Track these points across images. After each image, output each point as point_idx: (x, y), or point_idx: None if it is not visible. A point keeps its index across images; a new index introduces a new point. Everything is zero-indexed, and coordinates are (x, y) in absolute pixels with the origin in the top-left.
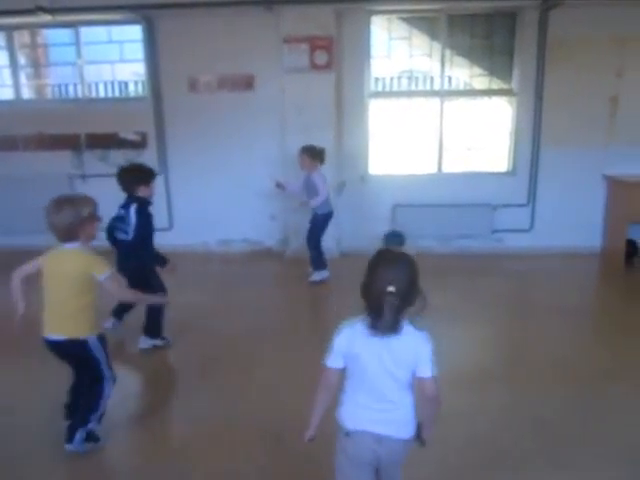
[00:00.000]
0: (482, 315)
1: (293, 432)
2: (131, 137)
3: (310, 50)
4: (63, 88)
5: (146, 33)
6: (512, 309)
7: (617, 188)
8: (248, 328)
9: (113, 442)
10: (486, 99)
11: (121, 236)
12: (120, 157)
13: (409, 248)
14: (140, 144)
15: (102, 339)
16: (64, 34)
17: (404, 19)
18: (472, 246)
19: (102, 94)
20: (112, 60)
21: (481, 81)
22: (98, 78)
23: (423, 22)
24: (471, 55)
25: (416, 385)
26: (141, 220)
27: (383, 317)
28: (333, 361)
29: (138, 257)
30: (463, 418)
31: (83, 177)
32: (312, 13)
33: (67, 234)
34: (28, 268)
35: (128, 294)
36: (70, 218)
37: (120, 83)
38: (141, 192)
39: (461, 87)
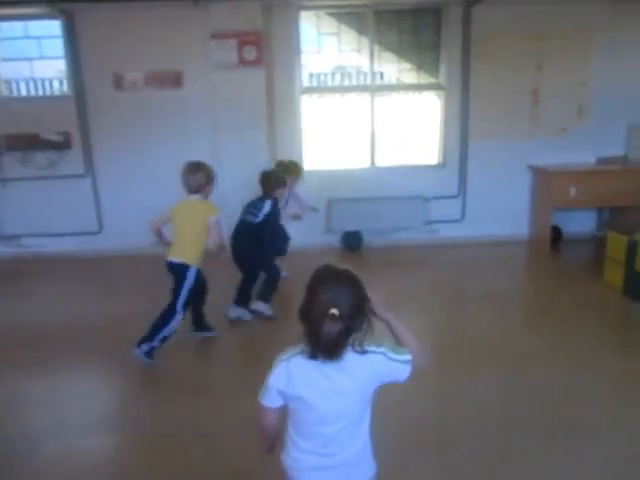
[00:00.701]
0: (418, 304)
1: (230, 432)
2: (54, 138)
3: (238, 46)
4: None
5: (65, 28)
6: (447, 297)
7: (541, 177)
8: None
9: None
10: (416, 93)
11: (249, 217)
12: (43, 159)
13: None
14: (64, 145)
15: (200, 274)
16: None
17: (332, 15)
18: (407, 238)
19: (23, 92)
20: (31, 57)
21: (410, 76)
22: (17, 75)
23: (351, 18)
24: (399, 50)
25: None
26: (272, 211)
27: (322, 344)
28: (270, 400)
29: (256, 239)
30: (401, 405)
31: (3, 181)
32: (240, 8)
33: (196, 189)
34: (163, 216)
35: (219, 238)
36: (201, 179)
37: (43, 81)
38: (277, 193)
39: (391, 82)
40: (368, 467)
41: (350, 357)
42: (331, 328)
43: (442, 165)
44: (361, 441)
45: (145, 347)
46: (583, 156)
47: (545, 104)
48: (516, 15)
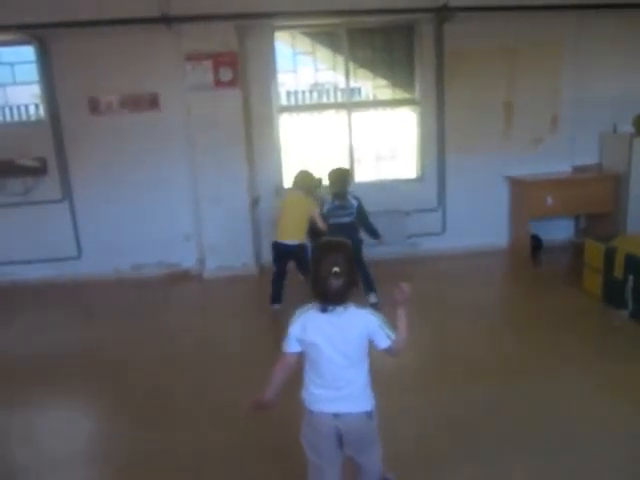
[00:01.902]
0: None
1: (214, 465)
2: (29, 163)
3: (214, 67)
4: None
5: (39, 53)
6: (428, 311)
7: (517, 188)
8: (165, 358)
9: None
10: (392, 109)
11: (344, 219)
12: (19, 185)
13: None
14: (40, 170)
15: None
16: None
17: (307, 34)
18: (388, 252)
19: None
20: (4, 83)
21: (386, 92)
22: None
23: (325, 37)
24: (374, 67)
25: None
26: (359, 202)
27: (331, 296)
28: (290, 346)
29: (357, 232)
30: (386, 418)
31: None
32: (213, 30)
33: (301, 187)
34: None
35: (323, 223)
36: (311, 183)
37: (18, 107)
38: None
39: (368, 98)
40: (368, 401)
41: (352, 310)
42: (336, 282)
43: (421, 179)
44: (362, 379)
45: None
46: (558, 165)
47: (519, 116)
48: (486, 30)
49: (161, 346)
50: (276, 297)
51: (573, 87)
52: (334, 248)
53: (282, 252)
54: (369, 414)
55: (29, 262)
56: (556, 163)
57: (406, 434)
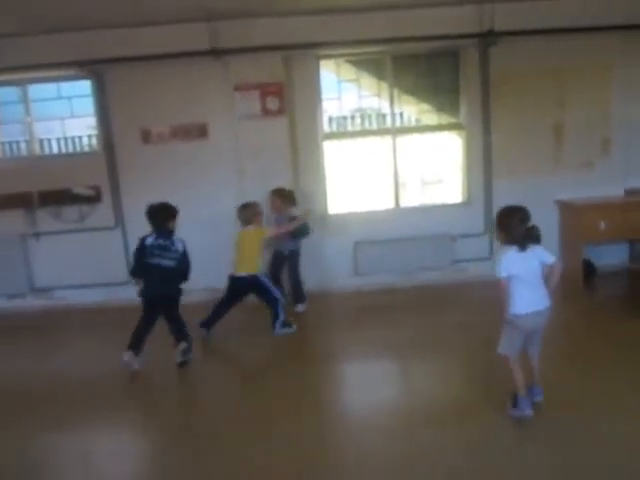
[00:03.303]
0: (448, 347)
1: None
2: (84, 192)
3: (261, 96)
4: (14, 146)
5: (96, 87)
6: (477, 338)
7: (569, 212)
8: (217, 383)
9: None
10: (437, 134)
11: (166, 262)
12: (75, 213)
13: None
14: (94, 198)
15: (266, 276)
16: (11, 92)
17: (352, 62)
18: (434, 278)
19: (55, 150)
20: (63, 116)
21: (431, 117)
22: (50, 134)
23: (370, 64)
24: (418, 93)
25: (547, 268)
26: (185, 247)
27: (532, 240)
28: (503, 272)
29: (178, 282)
30: (438, 454)
31: (37, 235)
32: (261, 60)
33: (247, 222)
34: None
35: (278, 229)
36: (249, 214)
37: (74, 138)
38: (172, 226)
39: (412, 124)
40: (549, 301)
41: (535, 247)
42: (534, 233)
43: (467, 203)
44: (543, 287)
45: (278, 325)
46: (610, 189)
47: (569, 139)
48: (533, 53)
49: (210, 371)
50: (208, 322)
51: (625, 108)
52: (520, 209)
53: (235, 284)
54: (551, 307)
55: (83, 287)
56: (608, 186)
57: (460, 465)
